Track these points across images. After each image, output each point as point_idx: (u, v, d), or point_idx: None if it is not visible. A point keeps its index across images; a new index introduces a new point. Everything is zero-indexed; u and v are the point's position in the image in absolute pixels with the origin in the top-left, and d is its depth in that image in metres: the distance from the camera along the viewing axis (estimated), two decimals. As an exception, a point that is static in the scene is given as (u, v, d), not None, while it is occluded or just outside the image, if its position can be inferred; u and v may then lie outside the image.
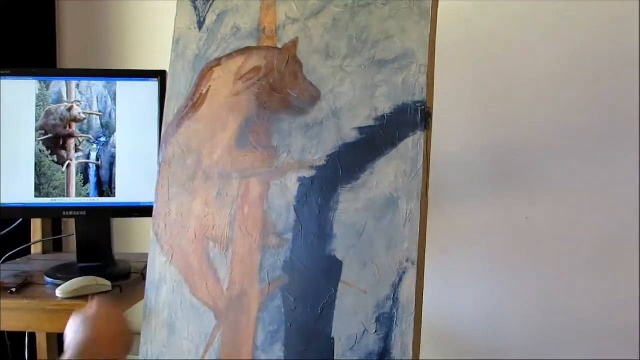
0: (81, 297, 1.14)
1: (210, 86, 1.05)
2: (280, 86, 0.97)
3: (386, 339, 0.81)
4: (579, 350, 1.33)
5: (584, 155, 1.30)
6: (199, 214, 1.02)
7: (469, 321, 1.42)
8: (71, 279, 1.18)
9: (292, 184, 0.93)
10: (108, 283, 1.19)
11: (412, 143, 0.83)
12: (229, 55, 1.04)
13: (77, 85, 1.32)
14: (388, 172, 0.84)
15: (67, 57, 1.69)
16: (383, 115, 0.86)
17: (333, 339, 0.85)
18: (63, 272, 1.26)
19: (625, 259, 1.29)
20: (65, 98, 1.32)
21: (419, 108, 0.83)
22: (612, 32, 1.25)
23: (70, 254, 1.48)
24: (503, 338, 1.39)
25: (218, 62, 1.05)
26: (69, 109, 1.32)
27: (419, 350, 0.80)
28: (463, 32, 1.31)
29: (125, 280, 1.27)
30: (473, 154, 1.37)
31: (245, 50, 1.02)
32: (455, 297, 1.42)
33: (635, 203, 1.27)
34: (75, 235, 1.35)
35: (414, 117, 0.83)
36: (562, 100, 1.30)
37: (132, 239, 1.64)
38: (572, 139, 1.30)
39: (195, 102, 1.07)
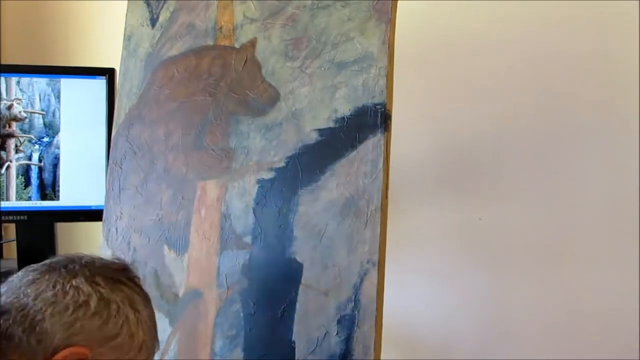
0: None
1: (164, 86, 1.02)
2: (238, 87, 0.95)
3: (347, 340, 0.81)
4: (526, 351, 1.37)
5: (535, 156, 1.35)
6: (152, 218, 0.99)
7: (425, 321, 1.44)
8: (12, 287, 1.11)
9: (250, 186, 0.91)
10: (52, 291, 1.13)
11: (372, 145, 0.83)
12: (184, 54, 1.01)
13: (18, 82, 1.25)
14: (348, 174, 0.84)
15: (9, 52, 1.60)
16: (343, 117, 0.86)
17: (294, 342, 0.84)
18: (2, 280, 1.19)
19: (576, 260, 1.34)
20: (4, 95, 1.25)
21: (379, 110, 0.84)
22: (573, 33, 1.30)
23: (10, 261, 1.41)
24: (458, 339, 1.42)
25: (173, 60, 1.02)
26: (9, 107, 1.25)
27: (380, 351, 0.81)
28: (418, 34, 1.33)
29: (71, 287, 1.21)
30: (427, 155, 1.40)
31: (201, 50, 1.00)
32: (412, 298, 1.44)
33: (588, 204, 1.32)
34: (15, 241, 1.28)
35: (374, 119, 0.84)
36: (515, 101, 1.34)
37: (77, 244, 1.56)
38: (525, 140, 1.35)
39: (148, 102, 1.03)
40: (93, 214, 1.26)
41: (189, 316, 0.93)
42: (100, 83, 1.28)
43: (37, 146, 1.27)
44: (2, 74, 1.25)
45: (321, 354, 0.82)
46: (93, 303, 0.64)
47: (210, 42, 1.00)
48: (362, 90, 0.85)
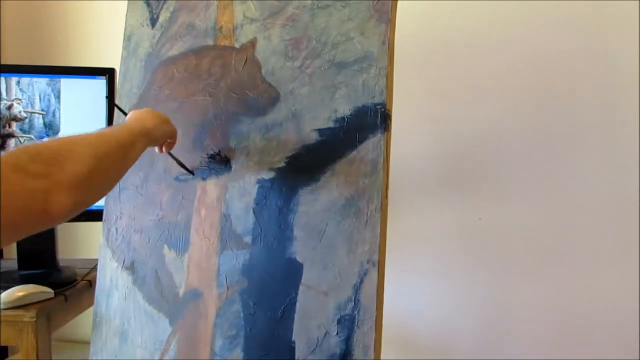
0: (22, 306, 1.08)
1: (164, 86, 1.02)
2: (238, 87, 0.95)
3: (347, 340, 0.81)
4: (526, 351, 1.38)
5: (535, 156, 1.35)
6: (152, 218, 0.99)
7: (425, 321, 1.44)
8: (11, 287, 1.11)
9: (250, 186, 0.91)
10: (50, 291, 1.14)
11: (372, 145, 0.83)
12: (184, 54, 1.01)
13: (18, 82, 1.25)
14: (348, 174, 0.84)
15: (9, 52, 1.60)
16: (343, 117, 0.86)
17: (294, 342, 0.84)
18: (2, 281, 1.19)
19: (576, 260, 1.34)
20: (4, 95, 1.24)
21: (379, 110, 0.83)
22: (573, 33, 1.31)
23: (10, 261, 1.40)
24: (458, 339, 1.42)
25: (173, 60, 1.02)
26: (9, 107, 1.25)
27: (380, 351, 0.81)
28: (418, 34, 1.33)
29: (71, 287, 1.21)
30: (427, 155, 1.40)
31: (201, 50, 1.00)
32: (412, 298, 1.44)
33: (588, 204, 1.32)
34: (15, 242, 1.28)
35: (373, 119, 0.84)
36: (515, 101, 1.35)
37: (78, 244, 1.56)
38: (525, 140, 1.35)
39: (148, 102, 1.03)
40: (93, 214, 1.25)
41: (189, 316, 0.93)
42: (100, 83, 1.28)
43: (37, 146, 1.27)
44: (2, 74, 1.25)
45: (321, 354, 0.82)
46: None
47: (210, 42, 0.99)
48: (362, 90, 0.85)
